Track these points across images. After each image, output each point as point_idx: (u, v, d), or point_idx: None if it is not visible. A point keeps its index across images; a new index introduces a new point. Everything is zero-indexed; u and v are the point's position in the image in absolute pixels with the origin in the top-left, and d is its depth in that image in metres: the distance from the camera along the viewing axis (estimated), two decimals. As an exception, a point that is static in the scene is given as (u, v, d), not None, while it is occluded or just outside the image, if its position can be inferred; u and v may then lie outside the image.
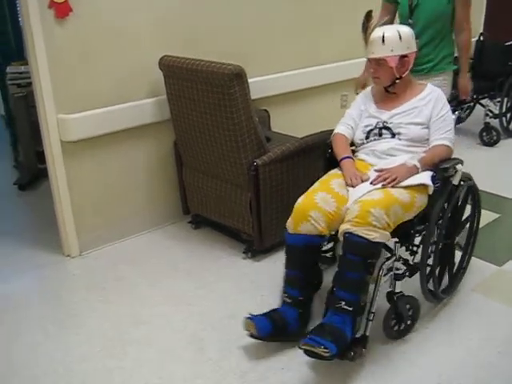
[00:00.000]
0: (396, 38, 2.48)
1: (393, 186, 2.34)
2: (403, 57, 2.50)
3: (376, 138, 2.59)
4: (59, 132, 3.02)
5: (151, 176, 3.47)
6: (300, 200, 2.39)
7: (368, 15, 2.61)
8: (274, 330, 2.31)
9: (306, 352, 2.11)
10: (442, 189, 2.45)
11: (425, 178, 2.40)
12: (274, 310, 2.39)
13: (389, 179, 2.35)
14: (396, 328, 2.47)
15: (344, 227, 2.23)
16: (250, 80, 2.82)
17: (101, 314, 2.72)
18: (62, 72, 2.96)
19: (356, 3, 3.00)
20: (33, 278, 3.12)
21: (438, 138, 2.51)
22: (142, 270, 3.10)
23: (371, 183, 2.38)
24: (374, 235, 2.18)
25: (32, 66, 2.95)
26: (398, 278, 2.45)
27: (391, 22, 3.19)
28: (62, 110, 3.00)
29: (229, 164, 2.99)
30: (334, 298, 2.25)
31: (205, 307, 2.73)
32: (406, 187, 2.35)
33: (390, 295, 2.46)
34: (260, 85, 3.53)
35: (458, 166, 2.50)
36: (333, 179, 2.49)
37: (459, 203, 2.63)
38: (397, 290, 2.46)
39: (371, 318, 2.27)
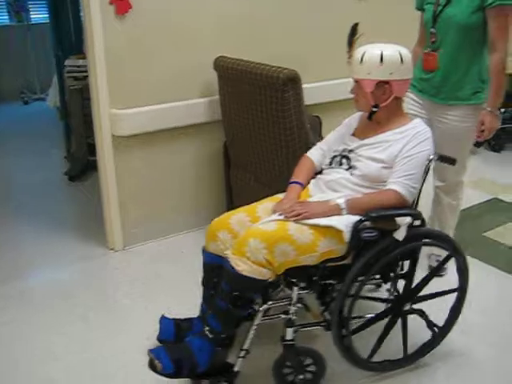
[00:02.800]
0: (376, 59, 2.11)
1: (296, 221, 2.05)
2: (384, 83, 2.14)
3: (334, 166, 2.29)
4: (111, 126, 3.06)
5: (198, 175, 3.48)
6: (216, 218, 2.26)
7: (354, 28, 2.26)
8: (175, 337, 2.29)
9: (149, 361, 2.04)
10: (372, 242, 2.07)
11: (341, 221, 2.05)
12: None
13: (294, 212, 2.07)
14: (290, 378, 2.20)
15: (226, 251, 2.04)
16: (303, 85, 2.79)
17: (140, 310, 2.75)
18: (117, 67, 2.99)
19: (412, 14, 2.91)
20: (77, 269, 3.17)
21: (391, 181, 2.13)
22: (182, 268, 3.10)
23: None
24: (243, 267, 1.95)
25: (89, 60, 3.00)
26: (288, 324, 2.15)
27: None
28: (115, 105, 3.03)
29: (277, 168, 2.96)
30: (204, 320, 2.14)
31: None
32: (311, 226, 2.04)
33: (282, 341, 2.19)
34: (313, 91, 3.49)
35: (401, 219, 2.12)
36: (266, 202, 2.31)
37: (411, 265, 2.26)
38: (287, 338, 2.16)
39: (242, 354, 2.11)
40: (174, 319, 2.36)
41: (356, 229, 2.03)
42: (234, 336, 2.15)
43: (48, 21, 5.38)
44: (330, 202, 2.12)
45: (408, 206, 2.16)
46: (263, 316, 2.15)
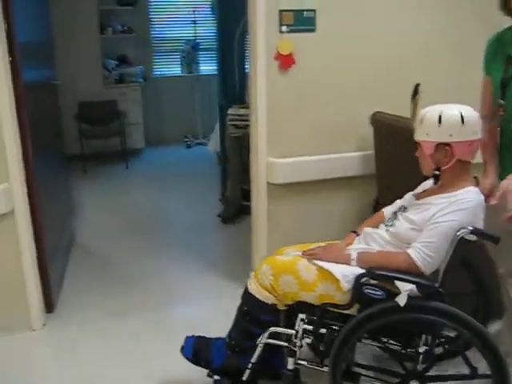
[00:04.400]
0: (434, 121, 2.03)
1: (308, 260, 2.21)
2: (444, 145, 2.04)
3: (387, 221, 2.30)
4: (267, 174, 3.20)
5: (345, 228, 3.47)
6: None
7: (415, 88, 2.17)
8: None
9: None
10: (373, 300, 2.04)
11: (344, 270, 2.10)
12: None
13: (311, 251, 2.26)
14: None
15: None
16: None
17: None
18: (277, 118, 3.15)
19: None
20: (213, 305, 3.32)
21: (411, 245, 2.07)
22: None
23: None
24: (252, 287, 2.25)
25: (252, 110, 3.19)
26: (289, 354, 2.24)
27: None
28: (273, 154, 3.18)
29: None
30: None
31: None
32: (319, 267, 2.16)
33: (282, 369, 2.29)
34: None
35: (402, 285, 2.00)
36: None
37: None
38: (288, 367, 2.24)
39: (249, 366, 2.30)
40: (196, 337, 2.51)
41: (358, 282, 2.06)
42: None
43: (215, 72, 5.81)
44: (346, 251, 2.22)
45: (419, 274, 2.04)
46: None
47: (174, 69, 7.65)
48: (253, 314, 2.27)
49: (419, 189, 2.35)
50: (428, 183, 2.30)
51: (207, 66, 7.55)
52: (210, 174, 5.80)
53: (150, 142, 7.24)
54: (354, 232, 2.44)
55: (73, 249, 4.19)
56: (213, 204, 5.06)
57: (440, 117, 2.03)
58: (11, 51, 2.80)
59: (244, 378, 2.32)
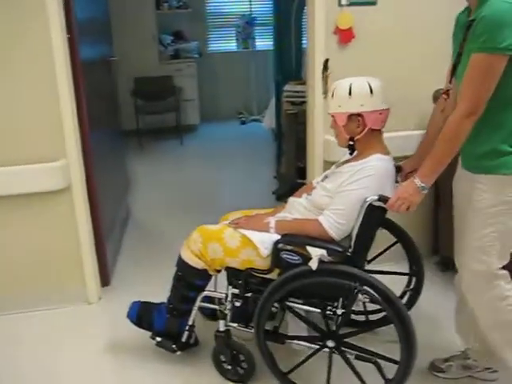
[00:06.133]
0: (345, 92, 2.16)
1: (234, 228, 2.35)
2: (357, 115, 2.15)
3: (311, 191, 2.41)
4: (323, 151, 3.13)
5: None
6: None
7: (325, 64, 2.27)
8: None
9: None
10: (290, 264, 2.18)
11: (263, 238, 2.25)
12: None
13: (237, 221, 2.40)
14: (226, 367, 2.48)
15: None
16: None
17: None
18: (335, 95, 3.06)
19: None
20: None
21: (324, 213, 2.18)
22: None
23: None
24: (184, 253, 2.38)
25: (309, 86, 3.11)
26: (220, 316, 2.43)
27: None
28: (329, 132, 3.09)
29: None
30: None
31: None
32: (242, 235, 2.30)
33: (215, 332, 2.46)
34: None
35: (313, 251, 2.12)
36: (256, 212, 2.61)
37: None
38: (219, 329, 2.43)
39: (186, 328, 2.48)
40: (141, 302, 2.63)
41: (275, 248, 2.19)
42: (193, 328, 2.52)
43: (271, 48, 5.72)
44: (265, 219, 2.35)
45: (331, 240, 2.14)
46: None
47: (230, 44, 7.61)
48: (186, 279, 2.41)
49: (342, 159, 2.43)
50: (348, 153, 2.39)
51: (263, 42, 7.46)
52: (265, 150, 5.76)
53: (204, 118, 7.26)
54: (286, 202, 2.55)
55: (129, 223, 4.24)
56: (267, 181, 5.03)
57: (350, 88, 2.15)
58: (69, 28, 2.81)
59: (183, 340, 2.50)
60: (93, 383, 2.56)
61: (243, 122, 7.52)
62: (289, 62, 4.94)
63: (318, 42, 2.98)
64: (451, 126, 1.94)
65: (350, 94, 2.15)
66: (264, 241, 2.24)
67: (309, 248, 2.16)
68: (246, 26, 7.31)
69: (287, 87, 4.50)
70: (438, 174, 2.02)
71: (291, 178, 4.61)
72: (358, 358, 2.24)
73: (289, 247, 2.21)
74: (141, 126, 6.53)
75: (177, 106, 6.68)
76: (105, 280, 3.31)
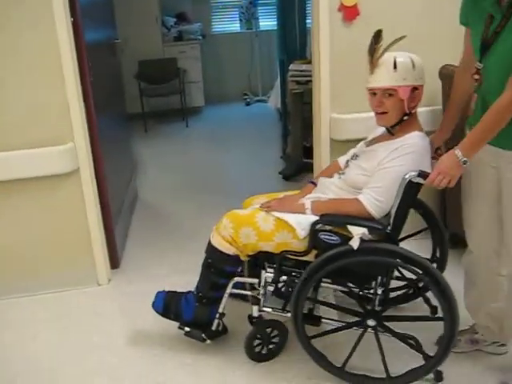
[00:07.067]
0: (409, 65, 2.10)
1: (266, 212, 2.27)
2: (415, 89, 2.11)
3: (342, 170, 2.39)
4: (330, 130, 3.13)
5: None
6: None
7: (377, 35, 2.12)
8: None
9: None
10: (329, 245, 2.14)
11: (299, 219, 2.19)
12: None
13: (268, 204, 2.32)
14: (258, 350, 2.45)
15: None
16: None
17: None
18: (340, 73, 3.06)
19: None
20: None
21: (362, 191, 2.14)
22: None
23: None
24: (215, 239, 2.30)
25: (314, 65, 3.11)
26: (253, 302, 2.40)
27: None
28: (336, 110, 3.10)
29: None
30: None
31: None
32: (276, 218, 2.23)
33: (249, 317, 2.47)
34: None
35: (355, 230, 2.09)
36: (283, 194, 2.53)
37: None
38: (253, 315, 2.42)
39: (217, 316, 2.42)
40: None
41: (313, 229, 2.15)
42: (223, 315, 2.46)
43: (275, 28, 5.69)
44: (300, 201, 2.30)
45: (371, 219, 2.11)
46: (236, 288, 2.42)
47: (233, 25, 7.55)
48: (217, 266, 2.35)
49: (370, 137, 2.40)
50: (378, 131, 2.36)
51: (267, 22, 7.40)
52: (271, 131, 5.76)
53: (209, 100, 7.23)
54: (312, 182, 2.52)
55: (136, 206, 4.26)
56: (274, 161, 5.03)
57: (412, 60, 2.12)
58: (73, 12, 2.80)
59: (213, 328, 2.45)
60: (102, 364, 2.57)
61: (248, 103, 7.48)
62: (293, 41, 4.91)
63: (323, 20, 2.96)
64: (504, 102, 1.86)
65: (413, 66, 2.11)
66: (300, 222, 2.18)
67: (350, 227, 2.12)
68: (250, 6, 7.25)
69: (292, 67, 4.49)
70: (480, 149, 1.97)
71: (298, 158, 4.62)
72: (396, 335, 2.24)
73: (327, 227, 2.17)
74: (146, 109, 6.51)
75: (181, 88, 6.66)
76: (114, 262, 3.33)
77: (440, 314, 2.12)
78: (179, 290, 2.55)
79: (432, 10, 3.07)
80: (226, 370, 2.46)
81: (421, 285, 2.47)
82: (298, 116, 4.48)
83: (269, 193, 2.61)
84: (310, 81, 3.41)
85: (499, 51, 1.93)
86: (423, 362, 2.21)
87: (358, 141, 3.10)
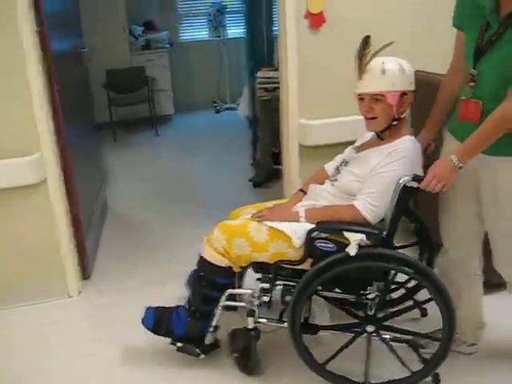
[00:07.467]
0: (398, 70, 2.09)
1: (259, 222, 2.24)
2: (404, 94, 2.11)
3: (332, 177, 2.36)
4: (299, 136, 3.15)
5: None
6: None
7: (365, 41, 2.14)
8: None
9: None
10: (325, 253, 2.12)
11: (294, 227, 2.16)
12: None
13: (259, 213, 2.29)
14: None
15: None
16: None
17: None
18: (308, 79, 3.09)
19: None
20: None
21: (356, 197, 2.14)
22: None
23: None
24: (206, 252, 2.25)
25: (282, 71, 3.14)
26: (249, 313, 2.32)
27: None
28: (304, 116, 3.12)
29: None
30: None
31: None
32: (269, 228, 2.20)
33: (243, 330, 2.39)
34: None
35: (351, 236, 2.06)
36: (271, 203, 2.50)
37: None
38: (249, 326, 2.34)
39: (211, 329, 2.36)
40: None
41: (309, 237, 2.12)
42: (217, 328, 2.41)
43: (243, 35, 5.72)
44: (293, 209, 2.28)
45: (366, 224, 2.10)
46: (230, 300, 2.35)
47: (201, 33, 7.56)
48: (209, 279, 2.30)
49: (358, 143, 2.41)
50: (366, 136, 2.36)
51: (234, 29, 7.44)
52: (241, 138, 5.76)
53: (179, 108, 7.21)
54: (301, 190, 2.49)
55: (107, 215, 4.23)
56: (244, 168, 5.04)
57: (401, 66, 2.10)
58: (38, 21, 2.77)
59: (206, 342, 2.40)
60: (76, 376, 2.55)
61: (218, 111, 7.49)
62: (261, 48, 4.95)
63: (290, 27, 2.99)
64: (503, 114, 1.90)
65: (402, 71, 2.10)
66: (296, 231, 2.15)
67: (346, 234, 2.09)
68: (217, 14, 7.27)
69: (260, 74, 4.52)
70: (476, 155, 1.99)
71: (267, 165, 4.64)
72: (393, 340, 2.25)
73: (323, 235, 2.15)
74: (114, 119, 6.46)
75: (150, 96, 6.63)
76: (85, 273, 3.30)
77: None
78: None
79: (395, 17, 3.12)
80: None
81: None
82: (266, 123, 4.50)
83: (255, 203, 2.58)
84: (278, 88, 3.43)
85: (495, 59, 1.95)
86: (408, 374, 2.22)
87: (327, 146, 3.17)
